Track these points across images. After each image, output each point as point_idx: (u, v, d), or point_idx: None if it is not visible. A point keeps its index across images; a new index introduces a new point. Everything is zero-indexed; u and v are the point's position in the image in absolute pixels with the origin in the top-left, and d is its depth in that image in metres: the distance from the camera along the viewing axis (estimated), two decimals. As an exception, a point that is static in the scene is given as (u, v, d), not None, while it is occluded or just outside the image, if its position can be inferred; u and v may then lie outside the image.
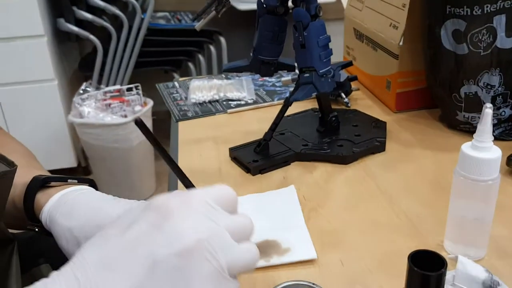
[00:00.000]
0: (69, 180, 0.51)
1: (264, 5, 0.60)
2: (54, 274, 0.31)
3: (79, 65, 2.18)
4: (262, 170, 0.64)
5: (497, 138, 0.67)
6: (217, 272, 0.30)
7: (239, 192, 0.59)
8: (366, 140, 0.68)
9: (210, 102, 0.88)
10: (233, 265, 0.31)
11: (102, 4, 1.92)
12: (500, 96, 0.65)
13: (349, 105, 0.82)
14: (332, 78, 0.78)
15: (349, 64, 0.83)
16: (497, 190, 0.43)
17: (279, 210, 0.55)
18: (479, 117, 0.66)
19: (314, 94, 0.61)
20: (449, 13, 0.61)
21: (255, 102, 0.87)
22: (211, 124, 0.80)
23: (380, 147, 0.68)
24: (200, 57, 2.18)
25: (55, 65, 1.94)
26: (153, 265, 0.29)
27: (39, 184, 0.49)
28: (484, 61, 0.62)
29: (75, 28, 1.92)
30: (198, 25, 0.66)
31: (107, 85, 2.05)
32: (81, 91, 1.94)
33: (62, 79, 2.03)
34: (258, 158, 0.65)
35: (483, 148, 0.41)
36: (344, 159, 0.65)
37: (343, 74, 0.82)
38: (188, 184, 0.39)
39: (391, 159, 0.66)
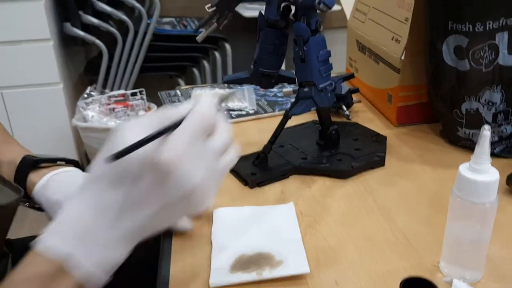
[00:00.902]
0: (57, 161, 0.58)
1: (265, 18, 0.60)
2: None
3: (85, 69, 2.19)
4: (260, 183, 0.64)
5: (498, 155, 0.66)
6: (213, 185, 0.40)
7: (236, 205, 0.59)
8: (365, 154, 0.68)
9: (211, 111, 0.88)
10: (221, 177, 0.41)
11: (109, 9, 1.94)
12: (502, 113, 0.64)
13: (350, 117, 0.82)
14: (333, 91, 0.78)
15: (351, 76, 0.83)
16: (495, 212, 0.43)
17: (276, 224, 0.54)
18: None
19: (313, 108, 0.61)
20: (451, 29, 0.61)
21: (256, 112, 0.87)
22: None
23: (379, 162, 0.67)
24: (205, 63, 2.18)
25: (61, 68, 1.95)
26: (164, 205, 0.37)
27: (31, 164, 0.56)
28: (486, 78, 0.62)
29: (81, 33, 1.93)
30: (199, 37, 0.66)
31: (111, 90, 2.06)
32: (86, 95, 1.95)
33: (67, 82, 2.04)
34: (256, 171, 0.65)
35: (480, 170, 0.40)
36: (343, 174, 0.64)
37: (345, 87, 0.81)
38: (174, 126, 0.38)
39: (390, 174, 0.66)
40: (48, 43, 1.87)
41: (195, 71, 2.19)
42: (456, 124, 0.68)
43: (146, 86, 2.12)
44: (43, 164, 0.57)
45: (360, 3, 0.90)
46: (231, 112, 0.87)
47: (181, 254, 0.51)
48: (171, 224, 0.42)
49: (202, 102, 0.38)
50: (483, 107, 0.64)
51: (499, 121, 0.64)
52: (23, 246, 0.64)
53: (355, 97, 0.89)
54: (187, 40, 2.08)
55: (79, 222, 0.36)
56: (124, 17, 1.98)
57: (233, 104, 0.89)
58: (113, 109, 1.91)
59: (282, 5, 0.58)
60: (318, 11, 0.55)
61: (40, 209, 0.57)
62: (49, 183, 0.55)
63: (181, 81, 2.16)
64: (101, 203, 0.36)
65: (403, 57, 0.73)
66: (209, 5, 0.63)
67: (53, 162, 0.59)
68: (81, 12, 1.91)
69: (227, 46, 2.18)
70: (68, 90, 2.03)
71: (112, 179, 0.36)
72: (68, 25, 1.93)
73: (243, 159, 0.68)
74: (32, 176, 0.56)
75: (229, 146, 0.40)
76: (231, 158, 0.41)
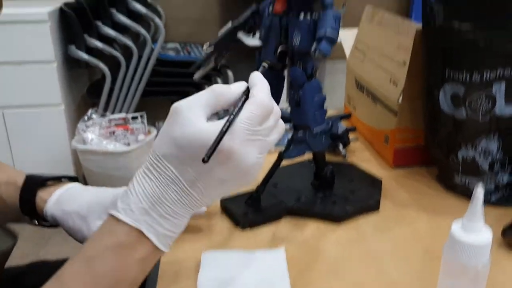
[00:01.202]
0: (62, 178, 0.62)
1: (262, 61, 0.60)
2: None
3: (87, 91, 2.20)
4: (252, 225, 0.63)
5: (494, 204, 0.65)
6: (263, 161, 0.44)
7: (226, 247, 0.57)
8: (360, 198, 0.67)
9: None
10: (268, 151, 0.44)
11: (113, 33, 1.96)
12: (498, 163, 0.63)
13: (346, 157, 0.81)
14: (329, 131, 0.77)
15: (348, 116, 0.83)
16: (487, 273, 0.41)
17: (265, 272, 0.53)
18: (476, 182, 0.65)
19: (307, 152, 0.60)
20: (448, 77, 0.61)
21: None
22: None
23: (374, 207, 0.66)
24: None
25: (63, 90, 1.97)
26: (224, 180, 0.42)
27: (39, 183, 0.59)
28: (483, 127, 0.61)
29: (85, 56, 1.95)
30: (196, 76, 0.66)
31: (113, 112, 2.07)
32: (86, 118, 1.95)
33: (69, 104, 2.05)
34: (248, 211, 0.64)
35: (473, 231, 0.39)
36: (336, 218, 0.63)
37: (342, 126, 0.81)
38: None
39: (385, 219, 0.65)
40: (51, 64, 1.89)
41: (197, 96, 2.19)
42: (453, 171, 0.67)
43: (147, 110, 2.13)
44: (49, 182, 0.60)
45: (360, 41, 0.91)
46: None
47: (166, 300, 0.50)
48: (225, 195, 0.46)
49: (259, 87, 0.42)
50: (480, 155, 0.63)
51: (495, 170, 0.64)
52: (14, 276, 0.66)
53: (352, 135, 0.88)
54: (190, 66, 2.09)
55: (150, 194, 0.40)
56: (128, 42, 2.00)
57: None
58: (113, 132, 1.91)
59: (279, 49, 0.58)
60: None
61: (50, 225, 0.60)
62: (62, 197, 0.58)
63: (182, 106, 2.16)
64: (169, 181, 0.40)
65: (400, 100, 0.73)
66: (207, 44, 0.63)
67: (58, 180, 0.62)
68: (86, 36, 1.93)
69: (230, 73, 2.20)
70: (69, 111, 2.04)
71: (180, 159, 0.40)
72: (73, 47, 1.95)
73: (235, 198, 0.67)
74: (41, 194, 0.59)
75: (277, 121, 0.44)
76: (279, 132, 0.44)
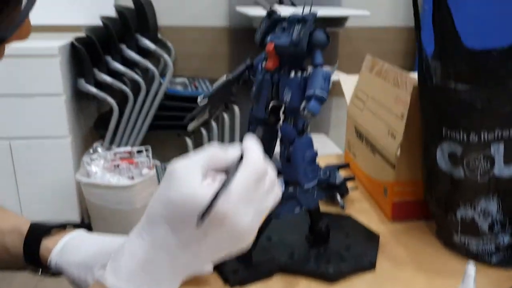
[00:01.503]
0: (67, 226, 0.61)
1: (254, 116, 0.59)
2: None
3: (95, 123, 2.22)
4: (242, 283, 0.61)
5: (495, 265, 0.63)
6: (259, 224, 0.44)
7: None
8: (356, 255, 0.65)
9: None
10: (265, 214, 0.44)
11: (122, 68, 1.99)
12: (499, 223, 0.61)
13: (344, 207, 0.79)
14: (327, 180, 0.76)
15: (346, 166, 0.81)
16: None
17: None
18: (475, 242, 0.63)
19: (298, 209, 0.58)
20: (445, 135, 0.59)
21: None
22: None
23: (369, 265, 0.64)
24: (214, 123, 2.20)
25: (71, 122, 1.99)
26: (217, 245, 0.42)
27: (43, 231, 0.59)
28: (481, 187, 0.59)
29: (93, 90, 1.97)
30: (190, 127, 0.65)
31: (119, 145, 2.08)
32: (91, 151, 1.96)
33: (76, 136, 2.06)
34: (239, 268, 0.62)
35: (463, 312, 0.37)
36: (330, 278, 0.61)
37: (340, 176, 0.79)
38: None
39: (380, 279, 0.62)
40: (60, 97, 1.92)
41: (203, 131, 2.20)
42: (451, 230, 0.65)
43: (153, 143, 2.14)
44: (53, 230, 0.60)
45: (359, 90, 0.90)
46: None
47: None
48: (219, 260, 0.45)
49: (253, 151, 0.42)
50: (479, 215, 0.61)
51: (495, 231, 0.61)
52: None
53: (352, 183, 0.87)
54: (197, 101, 2.10)
55: (141, 257, 0.40)
56: (137, 77, 2.02)
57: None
58: (118, 165, 1.92)
59: (271, 104, 0.57)
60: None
61: (55, 274, 0.60)
62: (67, 247, 0.58)
63: (188, 140, 2.17)
64: (161, 243, 0.39)
65: (398, 154, 0.71)
66: (202, 96, 0.63)
67: (63, 227, 0.61)
68: (95, 70, 1.96)
69: (236, 108, 2.20)
70: (76, 143, 2.05)
71: (173, 222, 0.39)
72: (82, 81, 1.98)
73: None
74: (46, 243, 0.59)
75: (274, 184, 0.44)
76: (275, 195, 0.44)
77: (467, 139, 0.57)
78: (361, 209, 0.81)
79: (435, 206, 0.66)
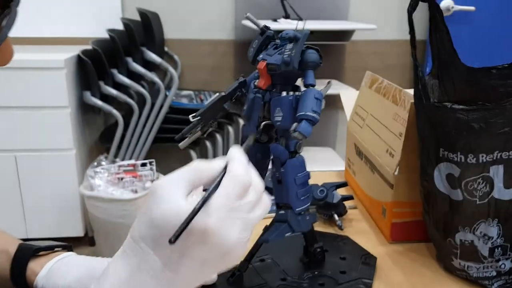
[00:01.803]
0: (55, 248, 0.60)
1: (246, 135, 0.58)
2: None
3: (100, 136, 2.23)
4: (232, 306, 0.59)
5: (497, 292, 0.60)
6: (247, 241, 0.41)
7: None
8: (351, 280, 0.62)
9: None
10: (253, 229, 0.41)
11: (128, 81, 1.99)
12: (499, 248, 0.59)
13: (342, 228, 0.77)
14: (323, 200, 0.74)
15: (344, 185, 0.80)
16: None
17: None
18: (476, 267, 0.61)
19: (288, 234, 0.57)
20: (443, 156, 0.58)
21: (245, 214, 0.83)
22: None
23: (365, 290, 0.62)
24: (218, 136, 2.19)
25: (76, 135, 1.99)
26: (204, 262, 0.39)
27: (30, 254, 0.57)
28: (481, 210, 0.57)
29: (99, 102, 1.98)
30: (182, 145, 0.64)
31: (123, 158, 2.07)
32: (95, 164, 1.96)
33: (81, 148, 2.06)
34: (230, 291, 0.60)
35: None
36: (323, 303, 0.59)
37: (337, 195, 0.78)
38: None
39: (376, 305, 0.60)
40: (65, 110, 1.93)
41: (208, 143, 2.19)
42: (451, 253, 0.62)
43: (158, 156, 2.13)
44: (41, 252, 0.59)
45: (359, 107, 0.88)
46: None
47: None
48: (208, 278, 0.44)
49: (236, 162, 0.41)
50: (479, 240, 0.59)
51: (496, 256, 0.59)
52: None
53: (351, 202, 0.85)
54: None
55: (125, 279, 0.38)
56: (142, 90, 2.03)
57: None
58: (121, 178, 1.91)
59: (263, 123, 0.56)
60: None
61: None
62: (53, 270, 0.57)
63: (193, 153, 2.16)
64: (144, 265, 0.38)
65: (396, 173, 0.69)
66: (194, 114, 0.62)
67: (51, 249, 0.60)
68: (101, 83, 1.97)
69: (240, 121, 2.19)
70: (81, 156, 2.05)
71: (156, 240, 0.38)
72: (88, 94, 1.99)
73: (218, 276, 0.63)
74: (32, 265, 0.58)
75: (261, 198, 0.42)
76: (264, 208, 0.42)
77: (465, 160, 0.55)
78: (360, 229, 0.78)
79: (433, 228, 0.64)
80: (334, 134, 2.55)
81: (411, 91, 0.70)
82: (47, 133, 1.95)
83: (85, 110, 2.09)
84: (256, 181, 0.42)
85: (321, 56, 0.52)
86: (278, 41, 0.56)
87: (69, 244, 0.63)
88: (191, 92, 2.35)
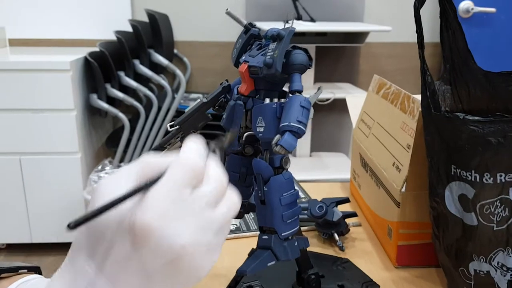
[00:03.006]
0: (19, 270, 0.53)
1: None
2: None
3: (107, 140, 2.19)
4: None
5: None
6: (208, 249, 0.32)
7: None
8: (348, 311, 0.55)
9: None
10: (220, 230, 0.33)
11: (135, 84, 1.95)
12: (521, 281, 0.50)
13: (343, 248, 0.70)
14: (323, 217, 0.67)
15: (345, 201, 0.72)
16: None
17: None
18: (493, 303, 0.52)
19: (271, 263, 0.49)
20: (454, 174, 0.50)
21: (237, 229, 0.76)
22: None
23: (363, 325, 0.54)
24: (225, 139, 2.13)
25: (81, 138, 1.95)
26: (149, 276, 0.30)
27: None
28: (498, 237, 0.49)
29: (105, 105, 1.94)
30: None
31: (129, 163, 2.03)
32: (99, 168, 1.92)
33: (87, 152, 2.03)
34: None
35: None
36: (314, 338, 0.52)
37: (338, 212, 0.70)
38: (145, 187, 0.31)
39: None
40: (71, 113, 1.89)
41: (216, 148, 2.13)
42: (464, 285, 0.54)
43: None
44: (3, 275, 0.54)
45: (365, 114, 0.81)
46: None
47: None
48: None
49: (186, 148, 0.33)
50: (496, 271, 0.51)
51: (517, 290, 0.51)
52: None
53: (356, 219, 0.77)
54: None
55: None
56: (149, 92, 1.98)
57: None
58: (126, 183, 1.86)
59: (246, 134, 0.49)
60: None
61: None
62: None
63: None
64: (81, 276, 0.32)
65: (403, 190, 0.62)
66: (172, 123, 0.55)
67: (14, 271, 0.54)
68: (108, 85, 1.93)
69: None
70: (87, 160, 2.01)
71: (87, 250, 0.32)
72: (94, 96, 1.95)
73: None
74: None
75: (224, 192, 0.34)
76: (229, 205, 0.34)
77: (481, 180, 0.47)
78: (363, 250, 0.71)
79: (444, 255, 0.56)
80: (347, 139, 2.46)
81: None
82: (52, 136, 1.91)
83: (91, 113, 2.06)
84: (216, 172, 0.33)
85: (310, 57, 0.44)
86: (263, 40, 0.49)
87: (37, 266, 0.57)
88: (200, 95, 2.30)
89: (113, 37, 1.98)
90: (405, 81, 2.39)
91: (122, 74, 1.95)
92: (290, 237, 0.49)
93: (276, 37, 0.44)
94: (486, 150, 0.46)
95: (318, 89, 0.45)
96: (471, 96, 0.53)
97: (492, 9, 2.19)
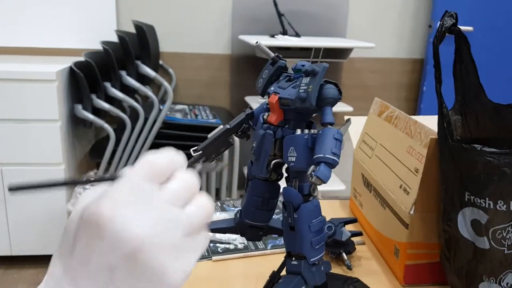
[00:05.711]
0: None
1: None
2: None
3: (90, 151, 2.16)
4: None
5: None
6: (174, 249, 0.30)
7: None
8: (363, 331, 0.57)
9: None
10: (189, 231, 0.31)
11: (121, 95, 1.94)
12: (528, 302, 0.54)
13: (351, 268, 0.72)
14: (331, 237, 0.69)
15: (353, 221, 0.74)
16: None
17: None
18: (502, 322, 0.56)
19: (301, 288, 0.51)
20: (468, 201, 0.53)
21: (245, 248, 0.77)
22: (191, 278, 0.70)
23: None
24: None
25: (65, 149, 1.92)
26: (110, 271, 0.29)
27: None
28: (509, 260, 0.52)
29: (90, 116, 1.92)
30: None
31: (114, 174, 2.00)
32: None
33: (71, 163, 2.00)
34: None
35: None
36: None
37: (346, 232, 0.72)
38: (109, 178, 0.32)
39: None
40: (55, 123, 1.86)
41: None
42: (473, 305, 0.57)
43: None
44: None
45: (367, 135, 0.84)
46: (217, 244, 0.78)
47: None
48: None
49: (157, 154, 0.33)
50: (506, 292, 0.54)
51: (525, 310, 0.54)
52: None
53: (359, 238, 0.80)
54: (196, 130, 2.05)
55: None
56: (135, 104, 1.97)
57: (221, 235, 0.80)
58: (112, 196, 1.84)
59: (273, 162, 0.51)
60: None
61: None
62: None
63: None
64: (48, 279, 0.31)
65: (412, 212, 0.64)
66: (195, 148, 0.56)
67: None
68: (93, 96, 1.91)
69: (236, 138, 2.14)
70: (70, 171, 1.98)
71: (59, 250, 0.31)
72: (79, 107, 1.93)
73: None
74: None
75: (193, 192, 0.33)
76: (198, 205, 0.33)
77: (494, 207, 0.50)
78: (369, 269, 0.73)
79: (454, 276, 0.59)
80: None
81: (422, 121, 0.65)
82: (36, 147, 1.88)
83: (75, 123, 2.03)
84: (186, 175, 0.33)
85: (340, 91, 0.47)
86: (291, 72, 0.51)
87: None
88: (185, 107, 2.30)
89: (98, 46, 1.96)
90: (386, 95, 2.46)
91: (108, 85, 1.93)
92: (317, 262, 0.50)
93: (310, 72, 0.46)
94: (501, 180, 0.49)
95: (347, 121, 0.48)
96: (480, 126, 0.56)
97: (470, 28, 2.29)
